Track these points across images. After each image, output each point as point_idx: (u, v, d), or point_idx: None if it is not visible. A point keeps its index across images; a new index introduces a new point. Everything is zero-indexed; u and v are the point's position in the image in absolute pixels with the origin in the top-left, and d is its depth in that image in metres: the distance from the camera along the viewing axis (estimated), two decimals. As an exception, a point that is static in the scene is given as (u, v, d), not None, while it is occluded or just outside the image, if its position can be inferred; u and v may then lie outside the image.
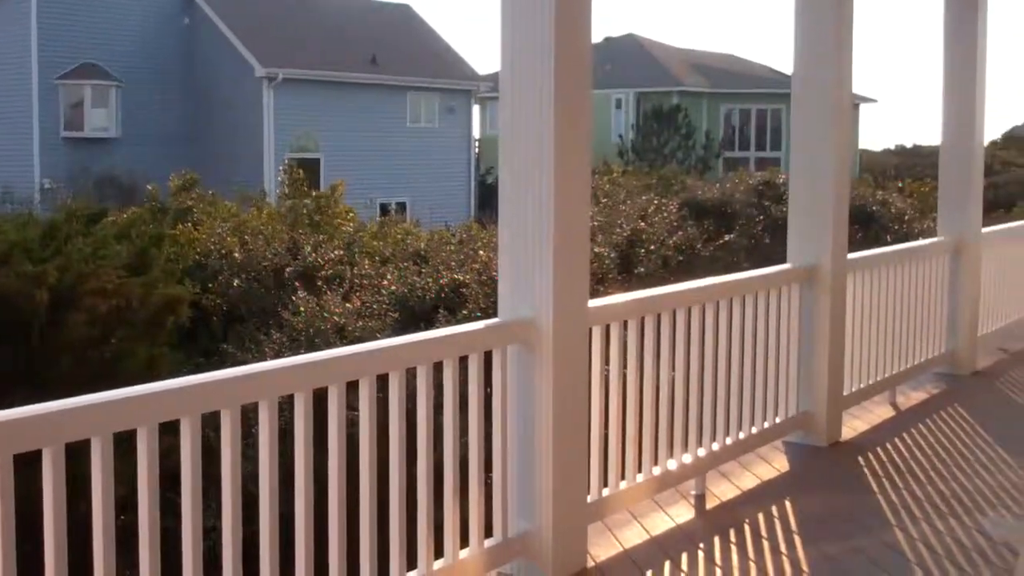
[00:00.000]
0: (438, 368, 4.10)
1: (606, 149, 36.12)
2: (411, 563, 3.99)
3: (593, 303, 4.70)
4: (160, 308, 10.08)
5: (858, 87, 50.66)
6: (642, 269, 12.25)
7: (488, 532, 4.33)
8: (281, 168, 22.79)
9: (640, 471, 5.09)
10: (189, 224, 15.63)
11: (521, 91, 4.34)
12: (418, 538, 3.99)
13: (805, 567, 4.69)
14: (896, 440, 6.56)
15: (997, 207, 22.74)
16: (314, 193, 19.10)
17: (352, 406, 3.76)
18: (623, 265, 12.36)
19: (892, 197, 17.15)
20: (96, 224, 12.91)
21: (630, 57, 45.26)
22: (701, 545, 4.89)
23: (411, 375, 3.99)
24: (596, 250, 12.11)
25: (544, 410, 4.33)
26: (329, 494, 3.65)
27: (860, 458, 6.23)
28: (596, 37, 46.68)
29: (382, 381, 3.88)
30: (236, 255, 13.49)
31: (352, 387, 3.75)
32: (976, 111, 8.23)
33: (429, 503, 4.00)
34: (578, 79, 4.38)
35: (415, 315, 9.97)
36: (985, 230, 8.70)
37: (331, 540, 3.65)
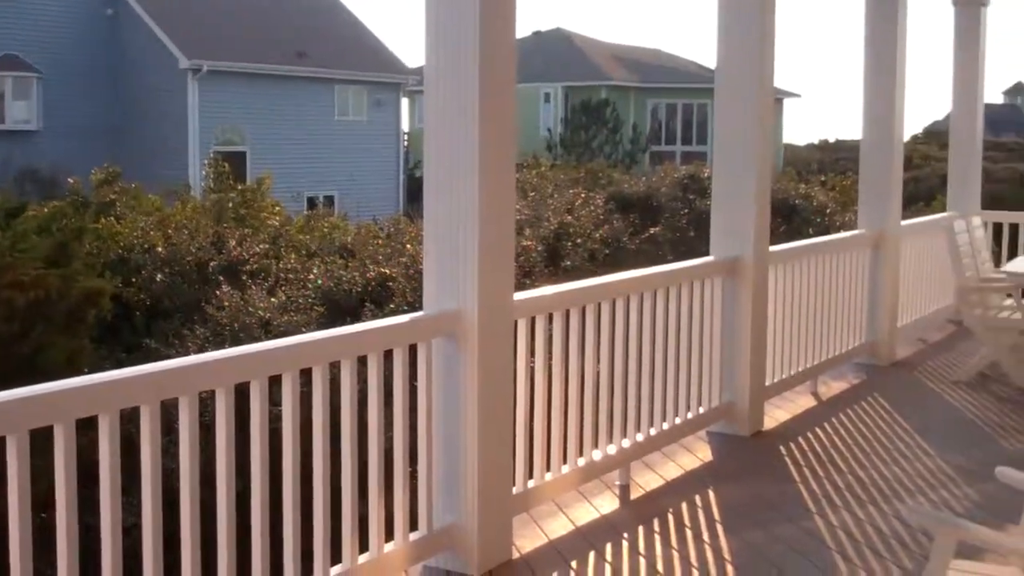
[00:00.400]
0: (363, 362, 4.09)
1: (534, 143, 36.18)
2: (336, 558, 3.98)
3: (518, 296, 4.72)
4: (80, 301, 9.91)
5: (782, 82, 51.30)
6: (569, 262, 12.29)
7: (414, 526, 4.34)
8: (206, 161, 22.53)
9: (565, 463, 5.12)
10: (112, 218, 15.38)
11: (446, 85, 4.33)
12: (343, 533, 3.98)
13: (727, 555, 4.75)
14: (817, 429, 6.67)
15: (918, 200, 23.15)
16: (240, 187, 18.90)
17: (276, 401, 3.74)
18: (550, 258, 12.40)
19: (814, 191, 17.40)
20: (16, 218, 12.65)
21: (558, 51, 45.36)
22: (625, 535, 4.93)
23: (336, 369, 3.98)
24: (523, 243, 12.14)
25: (469, 403, 4.34)
26: (252, 490, 3.62)
27: (782, 447, 6.33)
28: (525, 31, 46.71)
29: (306, 376, 3.86)
30: (160, 249, 13.30)
31: (275, 382, 3.73)
32: (895, 107, 8.38)
33: (353, 497, 3.99)
34: (503, 73, 4.39)
35: (341, 309, 9.91)
36: (904, 223, 8.88)
37: (254, 536, 3.63)
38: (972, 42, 10.38)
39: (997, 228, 10.80)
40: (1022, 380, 7.88)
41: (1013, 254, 10.17)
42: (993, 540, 3.22)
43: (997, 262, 9.92)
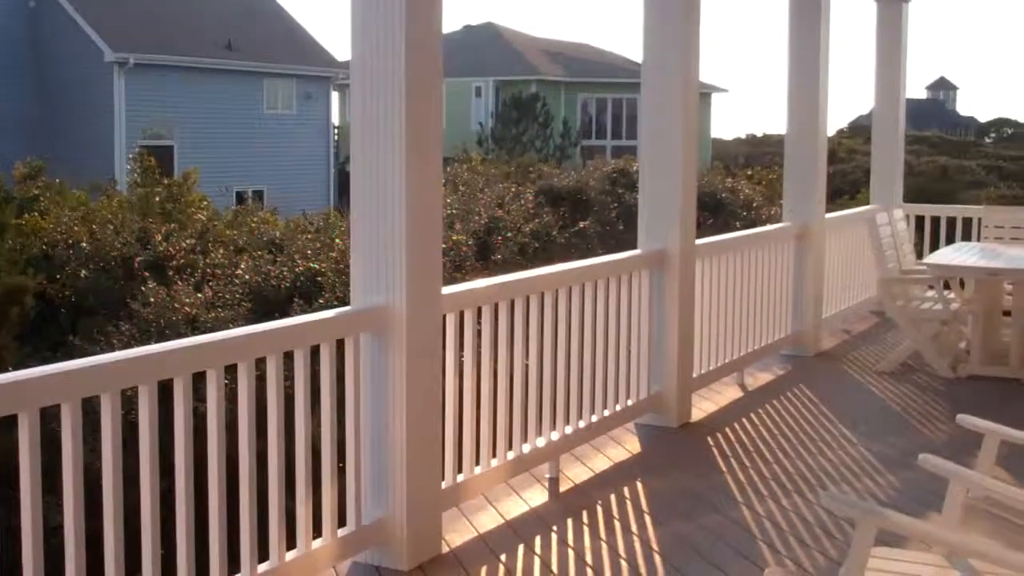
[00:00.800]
0: (290, 358, 4.06)
1: (465, 137, 36.12)
2: (263, 556, 3.95)
3: (447, 290, 4.72)
4: (2, 299, 9.72)
5: (710, 77, 51.75)
6: (499, 256, 12.31)
7: (343, 522, 4.32)
8: (131, 156, 22.20)
9: (495, 456, 5.13)
10: (35, 213, 15.11)
11: (372, 79, 4.32)
12: (270, 530, 3.96)
13: (655, 546, 4.80)
14: (744, 420, 6.75)
15: (843, 194, 23.50)
16: (166, 181, 18.65)
17: (202, 398, 3.70)
18: (481, 252, 12.41)
19: (741, 185, 17.59)
20: (-66, 214, 12.38)
21: (489, 45, 45.33)
22: (554, 527, 4.96)
23: (263, 365, 3.95)
24: (454, 238, 12.13)
25: (398, 398, 4.33)
26: (176, 488, 3.58)
27: (709, 438, 6.39)
28: (455, 25, 46.63)
29: (233, 372, 3.83)
30: (84, 245, 13.09)
31: (200, 378, 3.69)
32: (819, 102, 8.50)
33: (280, 494, 3.96)
34: (429, 67, 4.38)
35: (270, 305, 9.84)
36: (828, 216, 9.01)
37: (178, 535, 3.59)
38: (894, 37, 10.56)
39: (919, 221, 11.00)
40: (944, 370, 8.04)
41: (935, 246, 10.37)
42: (913, 527, 3.28)
43: (919, 254, 10.11)
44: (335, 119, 40.98)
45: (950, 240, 10.36)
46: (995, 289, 8.37)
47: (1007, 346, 8.17)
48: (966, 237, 10.29)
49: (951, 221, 10.62)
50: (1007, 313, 8.38)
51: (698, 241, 6.77)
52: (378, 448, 4.38)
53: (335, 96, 40.82)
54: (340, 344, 4.28)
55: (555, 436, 5.55)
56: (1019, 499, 3.68)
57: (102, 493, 3.36)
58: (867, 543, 3.14)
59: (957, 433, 4.29)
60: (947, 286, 8.59)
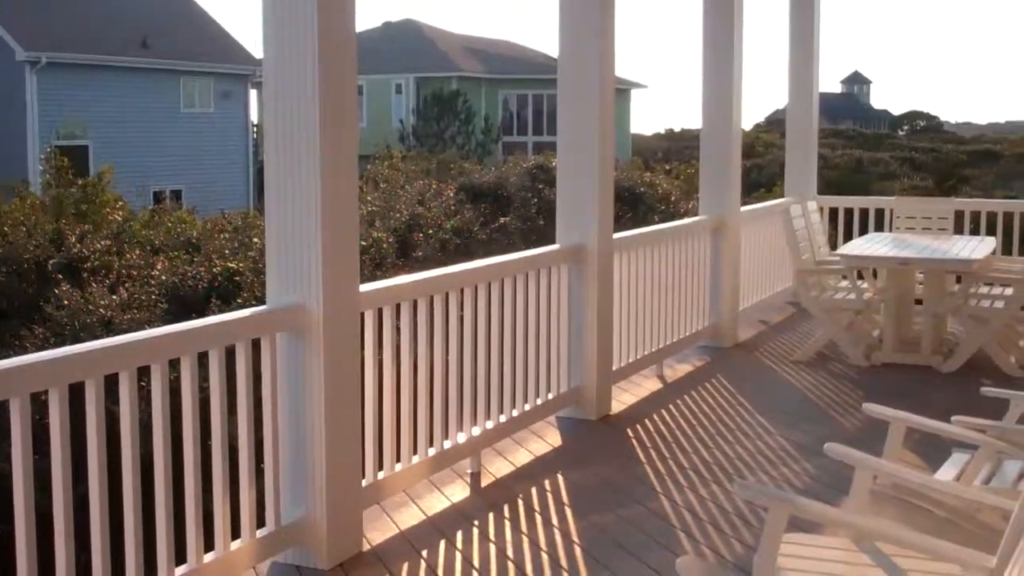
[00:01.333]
0: (205, 358, 4.03)
1: (387, 134, 35.99)
2: (181, 558, 3.91)
3: (365, 287, 4.71)
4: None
5: (629, 73, 52.09)
6: (420, 253, 12.29)
7: (261, 522, 4.29)
8: (43, 156, 21.78)
9: (416, 453, 5.14)
10: (-56, 217, 14.75)
11: (285, 76, 4.29)
12: (187, 531, 3.92)
13: (576, 538, 4.84)
14: (663, 411, 6.83)
15: (760, 187, 23.82)
16: (81, 181, 18.32)
17: (116, 400, 3.65)
18: (402, 249, 12.38)
19: (659, 179, 17.76)
20: None
21: (409, 42, 45.20)
22: (476, 522, 4.97)
23: (178, 366, 3.91)
24: (375, 235, 12.08)
25: (316, 397, 4.32)
26: (90, 491, 3.54)
27: (629, 430, 6.46)
28: (375, 22, 46.42)
29: (146, 374, 3.79)
30: (-4, 248, 12.81)
31: (112, 381, 3.64)
32: (733, 97, 8.61)
33: (197, 496, 3.93)
34: (343, 64, 4.36)
35: (187, 306, 9.72)
36: (744, 209, 9.14)
37: (93, 540, 3.54)
38: (807, 32, 10.73)
39: (833, 213, 11.19)
40: (858, 358, 8.20)
41: (848, 237, 10.56)
42: (822, 513, 3.35)
43: (833, 245, 10.29)
44: (254, 117, 40.57)
45: (863, 231, 10.56)
46: (907, 278, 8.56)
47: (919, 334, 8.35)
48: (879, 228, 10.50)
49: (864, 212, 10.83)
50: (919, 302, 8.57)
51: (616, 235, 6.82)
52: (297, 447, 4.36)
53: (254, 94, 40.39)
54: (257, 344, 4.25)
55: (476, 431, 5.56)
56: (922, 484, 3.78)
57: (13, 498, 3.30)
58: (779, 529, 3.20)
59: (871, 420, 4.38)
60: (860, 276, 8.76)
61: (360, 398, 4.62)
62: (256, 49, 39.96)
